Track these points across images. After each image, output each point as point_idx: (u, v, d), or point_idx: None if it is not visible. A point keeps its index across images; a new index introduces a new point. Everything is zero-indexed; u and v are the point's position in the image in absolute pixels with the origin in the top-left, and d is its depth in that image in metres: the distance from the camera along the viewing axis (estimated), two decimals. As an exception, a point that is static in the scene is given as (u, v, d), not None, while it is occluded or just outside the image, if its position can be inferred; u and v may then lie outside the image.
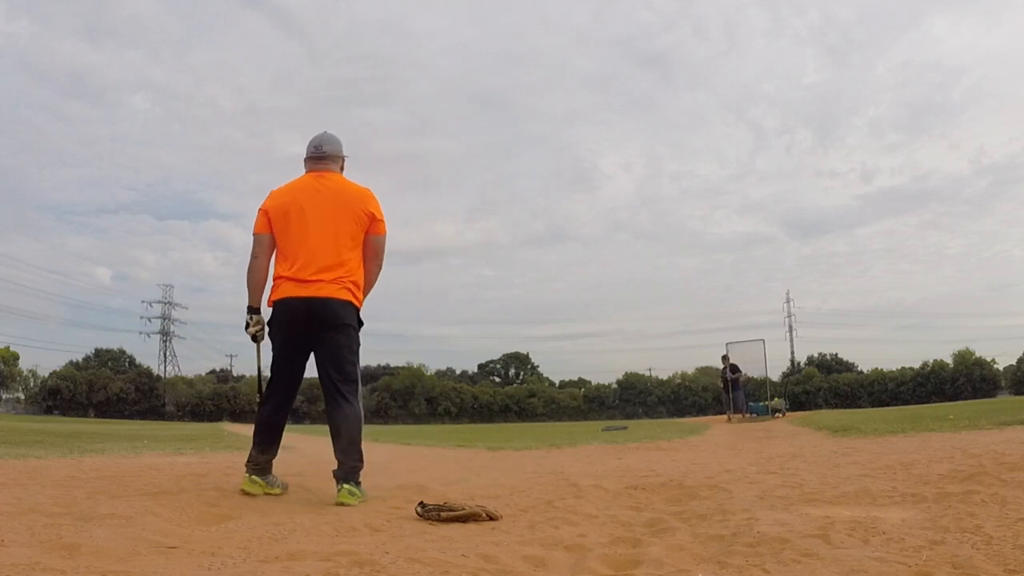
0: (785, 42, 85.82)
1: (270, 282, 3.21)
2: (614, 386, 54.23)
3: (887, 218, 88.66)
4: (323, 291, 3.07)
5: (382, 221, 3.23)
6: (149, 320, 57.89)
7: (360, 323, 3.22)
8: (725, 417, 17.72)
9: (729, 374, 17.18)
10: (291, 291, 3.09)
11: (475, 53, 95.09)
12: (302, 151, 3.33)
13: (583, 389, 55.25)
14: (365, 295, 3.24)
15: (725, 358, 17.50)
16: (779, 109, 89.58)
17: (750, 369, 18.23)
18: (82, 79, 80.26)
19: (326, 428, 3.24)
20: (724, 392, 17.59)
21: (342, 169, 3.35)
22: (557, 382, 58.00)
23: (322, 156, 3.27)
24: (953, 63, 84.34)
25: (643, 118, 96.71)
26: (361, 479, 3.13)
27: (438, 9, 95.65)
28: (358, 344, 3.22)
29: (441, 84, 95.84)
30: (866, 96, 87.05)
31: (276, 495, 3.17)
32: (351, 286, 3.13)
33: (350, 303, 3.12)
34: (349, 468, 3.07)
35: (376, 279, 3.28)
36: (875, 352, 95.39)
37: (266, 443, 3.20)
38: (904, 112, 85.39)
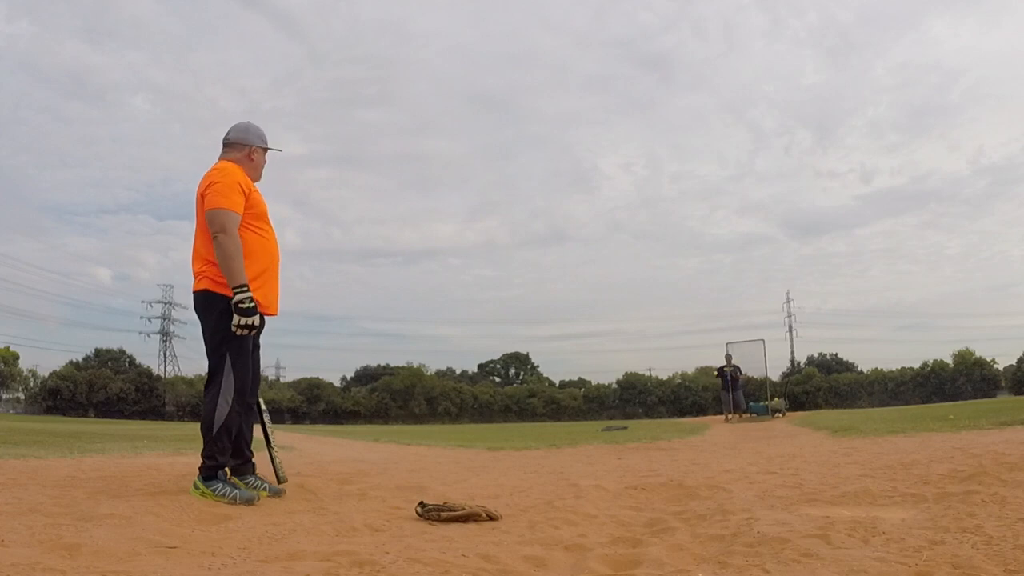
0: (784, 44, 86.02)
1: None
2: (614, 386, 54.15)
3: (886, 218, 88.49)
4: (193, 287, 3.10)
5: (208, 194, 2.98)
6: (149, 320, 57.81)
7: (227, 305, 2.95)
8: (723, 417, 17.71)
9: (738, 373, 17.19)
10: None
11: (475, 54, 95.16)
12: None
13: (583, 389, 55.20)
14: (228, 272, 2.92)
15: (728, 357, 17.48)
16: (778, 110, 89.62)
17: (750, 369, 18.24)
18: (83, 80, 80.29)
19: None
20: (724, 391, 17.58)
21: (249, 159, 3.23)
22: (557, 382, 57.96)
23: (223, 144, 3.29)
24: (952, 64, 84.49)
25: (643, 119, 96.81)
26: (232, 476, 2.98)
27: (438, 10, 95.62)
28: (219, 330, 2.98)
29: (441, 85, 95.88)
30: (865, 97, 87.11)
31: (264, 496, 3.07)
32: (208, 273, 3.01)
33: (206, 291, 3.01)
34: (201, 463, 2.97)
35: (226, 252, 2.90)
36: (875, 352, 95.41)
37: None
38: (903, 113, 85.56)
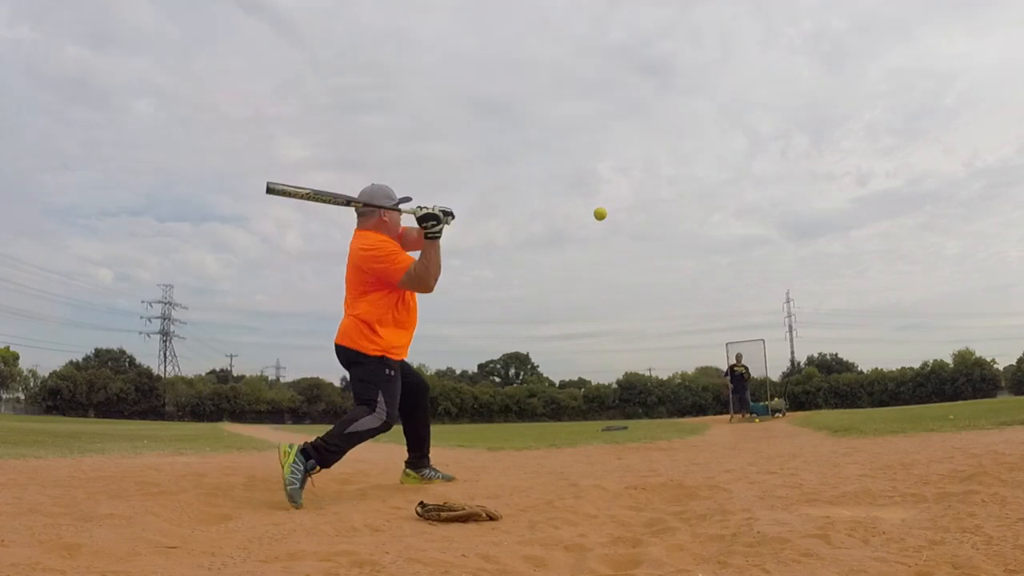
0: (780, 51, 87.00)
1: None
2: (614, 386, 54.12)
3: (883, 220, 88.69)
4: None
5: (380, 269, 3.37)
6: (149, 320, 57.92)
7: (361, 359, 3.34)
8: (727, 417, 17.68)
9: (747, 373, 17.09)
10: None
11: (476, 61, 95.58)
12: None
13: (583, 389, 55.18)
14: (433, 262, 3.26)
15: (739, 356, 17.37)
16: (774, 114, 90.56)
17: (751, 370, 18.22)
18: (86, 84, 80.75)
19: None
20: (733, 392, 17.47)
21: (382, 221, 3.44)
22: (557, 382, 57.95)
23: (357, 215, 3.49)
24: (946, 69, 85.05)
25: (640, 123, 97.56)
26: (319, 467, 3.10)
27: (439, 18, 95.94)
28: (361, 378, 3.35)
29: (442, 91, 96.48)
30: (860, 101, 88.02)
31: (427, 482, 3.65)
32: (347, 330, 3.41)
33: (342, 347, 3.42)
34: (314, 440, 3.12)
35: (429, 269, 3.29)
36: (875, 352, 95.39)
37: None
38: (898, 116, 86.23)
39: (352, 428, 3.15)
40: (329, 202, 3.19)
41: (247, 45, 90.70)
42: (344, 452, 3.16)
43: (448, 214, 3.25)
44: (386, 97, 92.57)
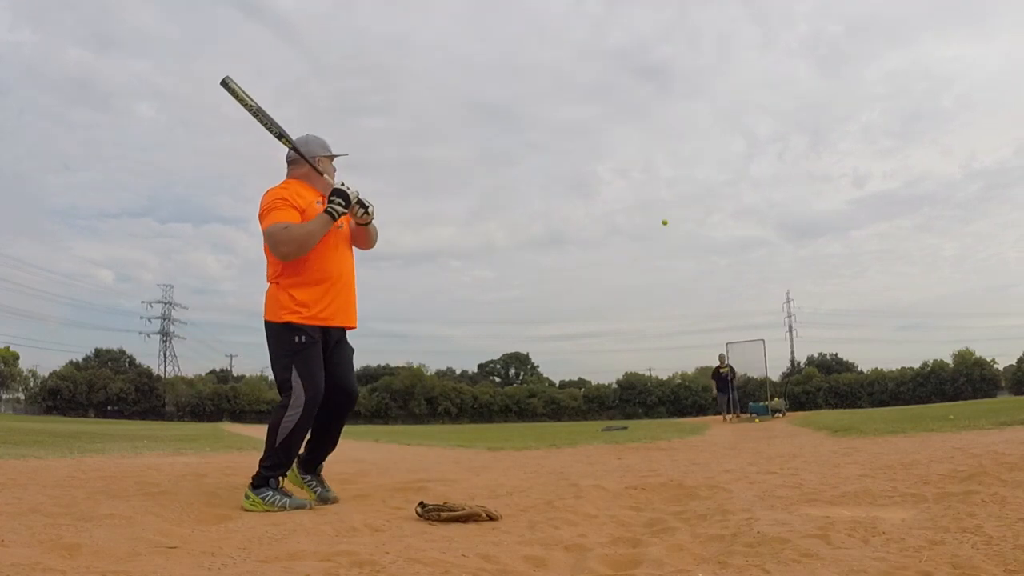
0: (777, 54, 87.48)
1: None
2: (614, 386, 54.13)
3: (881, 221, 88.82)
4: None
5: (260, 221, 2.97)
6: (149, 320, 57.88)
7: (276, 330, 2.98)
8: (721, 417, 17.67)
9: (732, 374, 17.14)
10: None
11: (476, 64, 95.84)
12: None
13: (583, 389, 55.18)
14: (311, 233, 2.91)
15: (722, 357, 17.44)
16: (772, 117, 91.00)
17: (750, 369, 18.22)
18: (87, 86, 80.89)
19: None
20: (720, 392, 17.50)
21: (316, 171, 3.11)
22: (557, 382, 57.98)
23: (287, 163, 3.19)
24: (943, 72, 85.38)
25: (640, 126, 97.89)
26: (280, 486, 2.87)
27: (440, 21, 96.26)
28: (276, 350, 2.99)
29: (443, 94, 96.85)
30: (858, 103, 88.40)
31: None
32: (266, 302, 3.08)
33: (265, 320, 3.06)
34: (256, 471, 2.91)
35: (295, 240, 2.88)
36: (875, 352, 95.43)
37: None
38: (896, 119, 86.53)
39: (281, 437, 2.85)
40: (265, 126, 3.00)
41: (248, 48, 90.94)
42: (291, 458, 2.92)
43: (363, 206, 3.02)
44: (387, 100, 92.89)
